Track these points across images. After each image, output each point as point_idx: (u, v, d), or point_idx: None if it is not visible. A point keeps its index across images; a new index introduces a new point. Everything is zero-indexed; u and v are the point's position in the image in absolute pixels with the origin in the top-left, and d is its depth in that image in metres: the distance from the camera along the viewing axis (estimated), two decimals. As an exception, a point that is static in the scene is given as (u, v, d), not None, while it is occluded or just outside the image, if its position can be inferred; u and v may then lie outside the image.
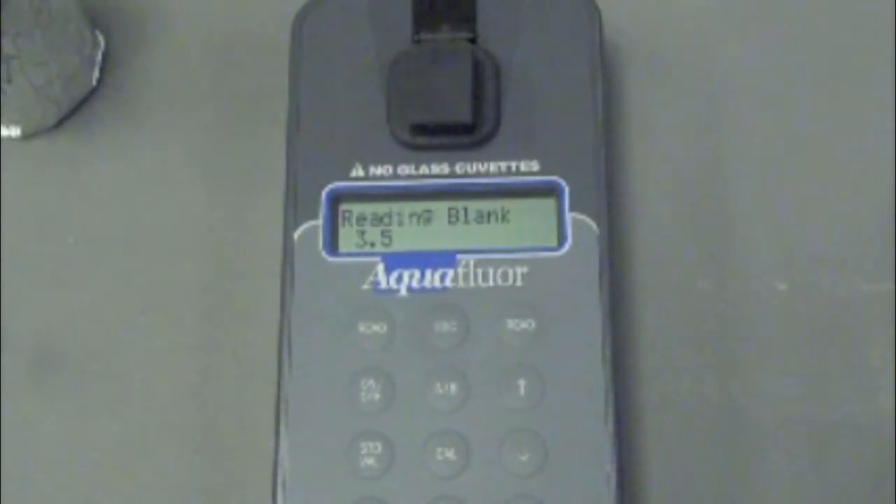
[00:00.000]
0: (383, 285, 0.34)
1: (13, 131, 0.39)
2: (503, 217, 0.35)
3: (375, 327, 0.34)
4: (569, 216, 0.34)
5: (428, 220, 0.35)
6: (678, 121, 0.38)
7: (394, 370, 0.33)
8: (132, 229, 0.38)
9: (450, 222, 0.35)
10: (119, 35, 0.40)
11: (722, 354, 0.36)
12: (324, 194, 0.35)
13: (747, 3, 0.39)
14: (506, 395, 0.33)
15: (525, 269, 0.34)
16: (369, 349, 0.34)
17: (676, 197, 0.37)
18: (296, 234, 0.35)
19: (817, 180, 0.37)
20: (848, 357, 0.35)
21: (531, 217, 0.35)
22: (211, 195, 0.38)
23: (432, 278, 0.34)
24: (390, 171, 0.35)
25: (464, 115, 0.35)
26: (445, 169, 0.35)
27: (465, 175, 0.35)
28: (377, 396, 0.33)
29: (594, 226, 0.34)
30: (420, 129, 0.35)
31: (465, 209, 0.35)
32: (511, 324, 0.34)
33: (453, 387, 0.33)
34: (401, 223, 0.35)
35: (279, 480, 0.33)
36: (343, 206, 0.35)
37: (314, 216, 0.35)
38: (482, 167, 0.35)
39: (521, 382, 0.33)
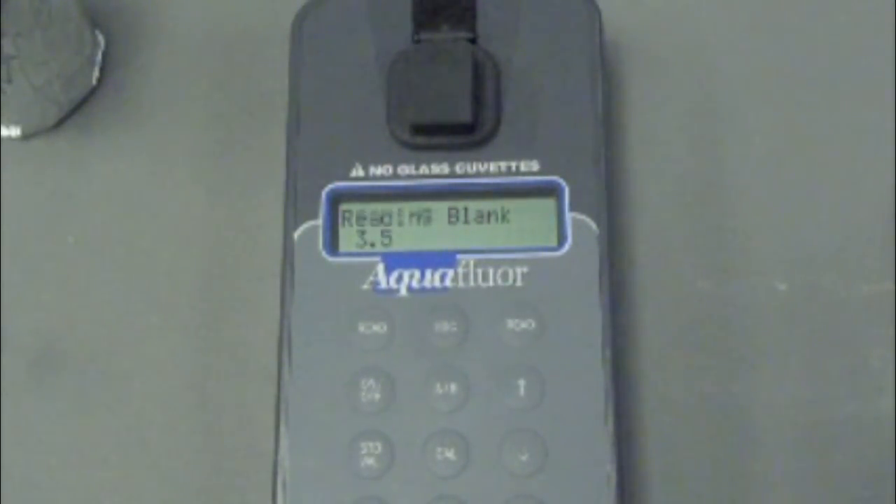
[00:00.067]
0: (383, 285, 0.34)
1: (13, 131, 0.39)
2: (503, 217, 0.35)
3: (375, 327, 0.34)
4: (569, 216, 0.34)
5: (428, 220, 0.35)
6: (678, 121, 0.38)
7: (394, 370, 0.33)
8: (132, 229, 0.38)
9: (450, 222, 0.35)
10: (119, 35, 0.40)
11: (722, 354, 0.36)
12: (324, 194, 0.35)
13: (747, 3, 0.39)
14: (506, 395, 0.33)
15: (525, 269, 0.34)
16: (369, 349, 0.34)
17: (676, 197, 0.37)
18: (296, 234, 0.35)
19: (817, 180, 0.37)
20: (848, 357, 0.35)
21: (531, 217, 0.35)
22: (211, 195, 0.38)
23: (432, 278, 0.34)
24: (390, 171, 0.35)
25: (464, 115, 0.35)
26: (445, 169, 0.35)
27: (465, 175, 0.35)
28: (377, 396, 0.33)
29: (594, 226, 0.34)
30: (420, 129, 0.35)
31: (465, 209, 0.35)
32: (511, 324, 0.34)
33: (453, 387, 0.33)
34: (401, 223, 0.35)
35: (279, 480, 0.33)
36: (343, 206, 0.35)
37: (314, 216, 0.35)
38: (482, 167, 0.35)
39: (521, 382, 0.33)
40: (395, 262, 0.34)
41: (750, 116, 0.38)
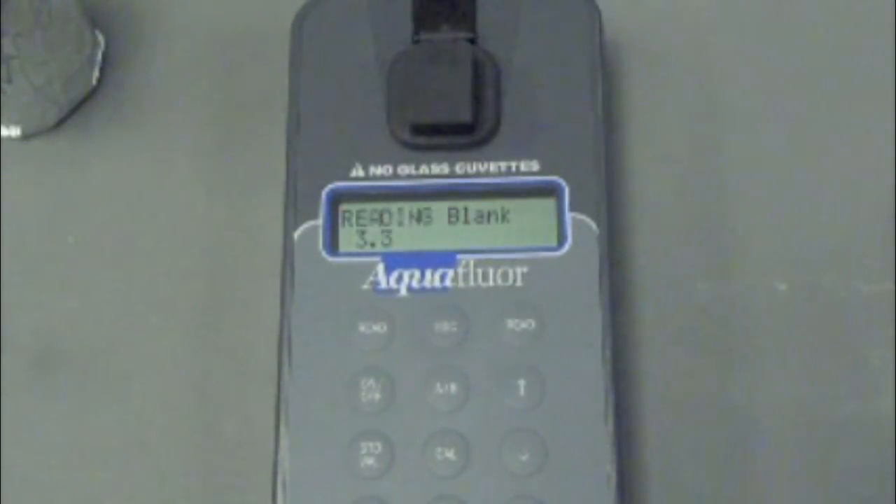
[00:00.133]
0: (383, 285, 0.34)
1: (13, 131, 0.39)
2: (503, 217, 0.35)
3: (375, 327, 0.34)
4: (569, 216, 0.34)
5: (428, 220, 0.35)
6: (678, 121, 0.38)
7: (394, 370, 0.33)
8: (132, 229, 0.38)
9: (450, 222, 0.35)
10: (119, 35, 0.40)
11: (722, 354, 0.36)
12: (324, 194, 0.35)
13: (747, 3, 0.39)
14: (506, 395, 0.33)
15: (525, 269, 0.34)
16: (369, 349, 0.34)
17: (676, 197, 0.37)
18: (296, 234, 0.35)
19: (817, 180, 0.37)
20: (848, 357, 0.35)
21: (531, 217, 0.35)
22: (211, 195, 0.38)
23: (432, 278, 0.34)
24: (390, 171, 0.35)
25: (464, 115, 0.35)
26: (445, 169, 0.35)
27: (465, 175, 0.35)
28: (377, 396, 0.33)
29: (594, 226, 0.34)
30: (420, 129, 0.35)
31: (465, 209, 0.35)
32: (511, 324, 0.34)
33: (453, 387, 0.33)
34: (401, 223, 0.35)
35: (279, 480, 0.33)
36: (343, 206, 0.35)
37: (314, 216, 0.35)
38: (482, 167, 0.35)
39: (521, 382, 0.33)
40: (395, 262, 0.34)
41: (750, 116, 0.38)
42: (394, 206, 0.35)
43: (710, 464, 0.35)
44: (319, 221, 0.35)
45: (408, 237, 0.35)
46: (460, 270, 0.34)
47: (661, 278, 0.36)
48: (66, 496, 0.35)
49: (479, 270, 0.34)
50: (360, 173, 0.35)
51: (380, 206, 0.35)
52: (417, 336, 0.34)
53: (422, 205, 0.35)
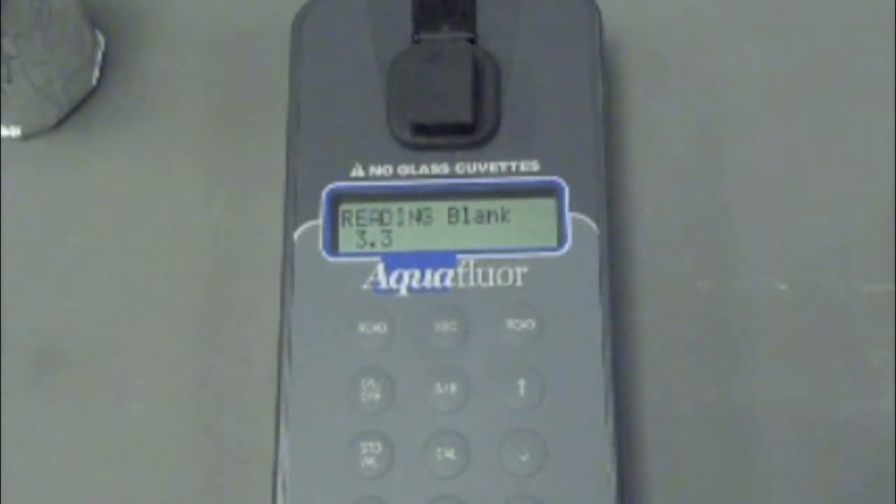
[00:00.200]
0: (383, 285, 0.34)
1: (13, 131, 0.39)
2: (503, 217, 0.35)
3: (375, 327, 0.34)
4: (569, 216, 0.34)
5: (428, 220, 0.35)
6: (678, 121, 0.38)
7: (394, 370, 0.33)
8: (132, 229, 0.38)
9: (450, 222, 0.35)
10: (119, 35, 0.40)
11: (722, 354, 0.36)
12: (324, 194, 0.35)
13: (747, 3, 0.39)
14: (506, 395, 0.33)
15: (525, 269, 0.34)
16: (369, 349, 0.34)
17: (676, 197, 0.37)
18: (296, 234, 0.35)
19: (817, 180, 0.37)
20: (848, 357, 0.35)
21: (531, 217, 0.35)
22: (211, 195, 0.38)
23: (432, 278, 0.34)
24: (390, 171, 0.35)
25: (464, 114, 0.35)
26: (445, 169, 0.35)
27: (465, 175, 0.35)
28: (377, 396, 0.33)
29: (594, 226, 0.34)
30: (420, 128, 0.35)
31: (465, 209, 0.35)
32: (511, 324, 0.34)
33: (453, 387, 0.33)
34: (401, 223, 0.35)
35: (279, 480, 0.33)
36: (343, 206, 0.35)
37: (314, 216, 0.35)
38: (482, 167, 0.35)
39: (521, 382, 0.33)
40: (395, 262, 0.34)
41: (750, 116, 0.38)
42: (394, 206, 0.35)
43: (709, 464, 0.35)
44: (319, 221, 0.35)
45: (408, 237, 0.35)
46: (460, 270, 0.34)
47: (661, 278, 0.36)
48: (66, 496, 0.35)
49: (479, 270, 0.34)
50: (360, 173, 0.35)
51: (380, 206, 0.35)
52: (417, 336, 0.34)
53: (422, 205, 0.35)
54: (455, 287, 0.34)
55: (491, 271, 0.34)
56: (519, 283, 0.34)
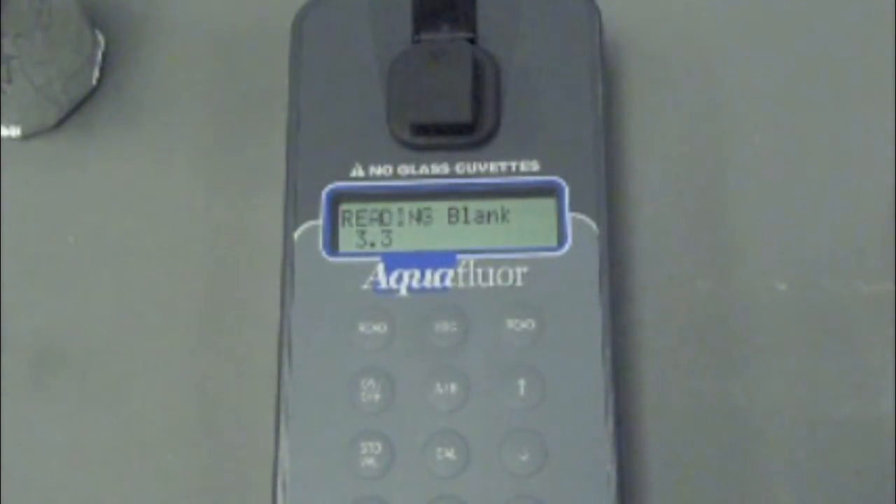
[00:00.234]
0: (383, 285, 0.34)
1: (13, 131, 0.39)
2: (503, 217, 0.35)
3: (375, 327, 0.34)
4: (569, 216, 0.34)
5: (428, 220, 0.35)
6: (678, 121, 0.38)
7: (394, 370, 0.33)
8: (132, 229, 0.38)
9: (450, 222, 0.35)
10: (119, 35, 0.40)
11: (722, 354, 0.36)
12: (324, 194, 0.35)
13: (747, 3, 0.39)
14: (506, 395, 0.33)
15: (525, 269, 0.34)
16: (369, 349, 0.34)
17: (676, 197, 0.37)
18: (296, 234, 0.35)
19: (817, 181, 0.37)
20: (848, 357, 0.35)
21: (531, 217, 0.35)
22: (211, 195, 0.38)
23: (432, 278, 0.34)
24: (390, 171, 0.35)
25: (464, 114, 0.35)
26: (445, 169, 0.35)
27: (465, 175, 0.35)
28: (377, 396, 0.33)
29: (594, 226, 0.34)
30: (420, 128, 0.35)
31: (465, 209, 0.35)
32: (511, 324, 0.34)
33: (453, 387, 0.33)
34: (401, 223, 0.35)
35: (279, 480, 0.33)
36: (343, 206, 0.35)
37: (314, 216, 0.35)
38: (482, 167, 0.35)
39: (521, 382, 0.33)
40: (395, 262, 0.34)
41: (750, 116, 0.38)
42: (394, 206, 0.35)
43: (709, 464, 0.35)
44: (319, 221, 0.35)
45: (408, 237, 0.35)
46: (460, 270, 0.34)
47: (661, 278, 0.36)
48: (66, 496, 0.35)
49: (479, 270, 0.34)
50: (360, 173, 0.35)
51: (380, 206, 0.35)
52: (417, 336, 0.34)
53: (422, 205, 0.35)
54: (455, 287, 0.34)
55: (491, 271, 0.34)
56: (519, 283, 0.34)
